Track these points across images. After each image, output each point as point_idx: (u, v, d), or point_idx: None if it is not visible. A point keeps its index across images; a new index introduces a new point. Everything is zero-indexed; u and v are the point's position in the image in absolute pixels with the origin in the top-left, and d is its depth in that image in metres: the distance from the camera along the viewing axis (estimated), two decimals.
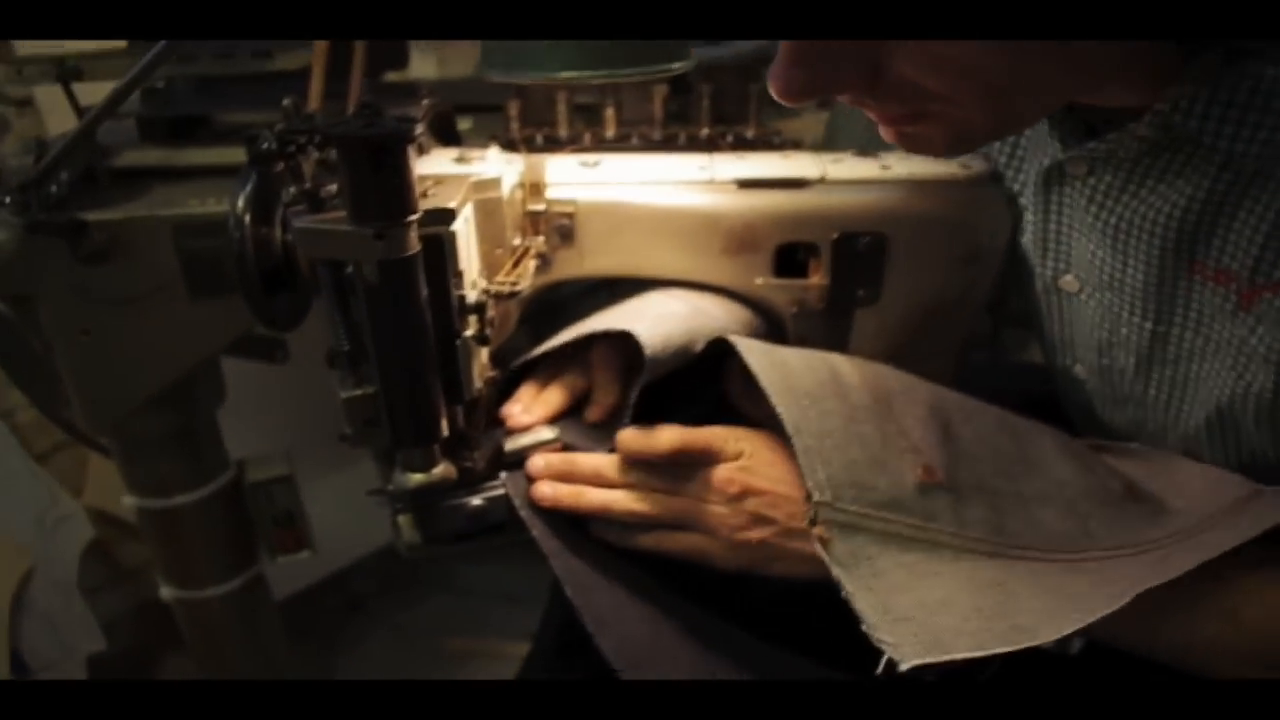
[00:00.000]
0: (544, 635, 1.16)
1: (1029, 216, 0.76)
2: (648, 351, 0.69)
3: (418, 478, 0.63)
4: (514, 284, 0.64)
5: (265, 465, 1.12)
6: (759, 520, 0.69)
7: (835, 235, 0.74)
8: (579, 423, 0.76)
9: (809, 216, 0.73)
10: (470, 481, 0.70)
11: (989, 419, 0.74)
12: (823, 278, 0.75)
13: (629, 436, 0.70)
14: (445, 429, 0.63)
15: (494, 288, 0.64)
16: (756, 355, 0.70)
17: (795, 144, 0.84)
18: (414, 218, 0.54)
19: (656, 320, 0.72)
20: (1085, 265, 0.72)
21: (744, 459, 0.70)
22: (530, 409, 0.74)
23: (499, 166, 0.68)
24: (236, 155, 0.89)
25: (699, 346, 0.72)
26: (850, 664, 0.63)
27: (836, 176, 0.74)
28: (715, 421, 0.73)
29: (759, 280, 0.75)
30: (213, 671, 1.17)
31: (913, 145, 0.60)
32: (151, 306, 0.85)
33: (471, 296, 0.61)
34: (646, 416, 0.71)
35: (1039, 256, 0.76)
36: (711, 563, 0.71)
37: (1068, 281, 0.74)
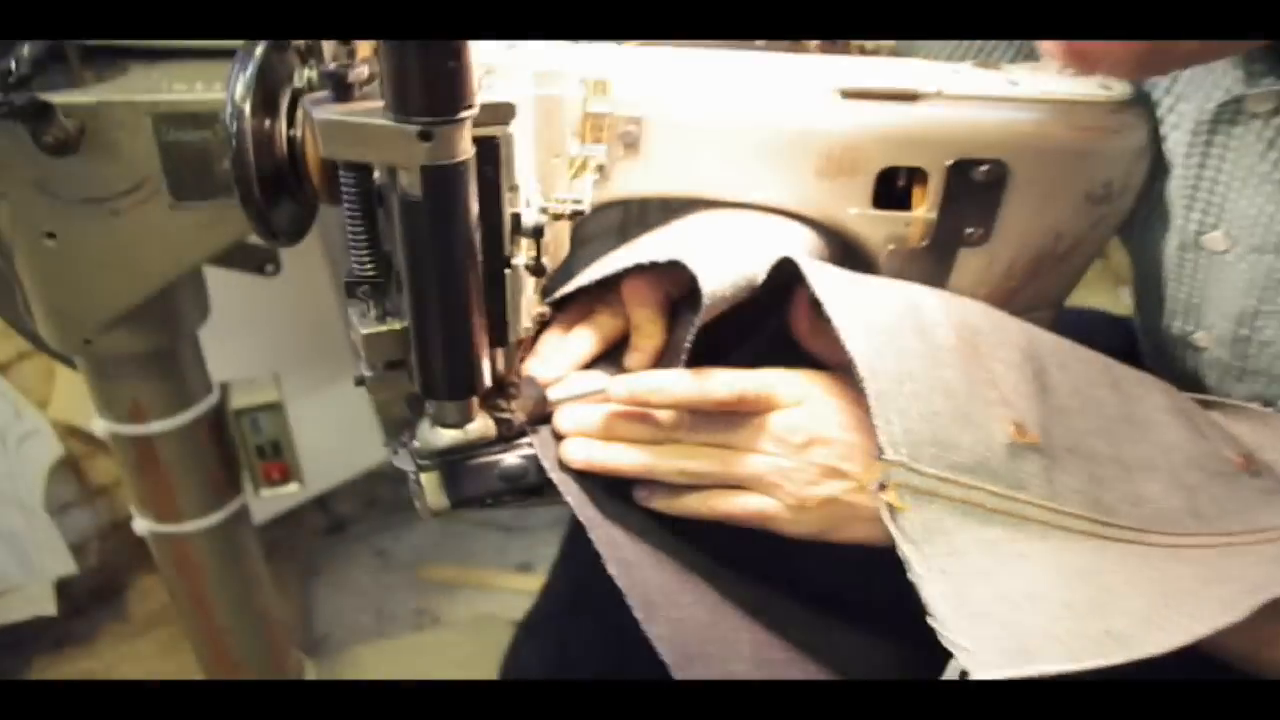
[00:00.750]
0: (554, 585, 1.06)
1: (1176, 162, 0.65)
2: (706, 287, 0.57)
3: (450, 435, 0.52)
4: (577, 201, 0.52)
5: (252, 390, 1.02)
6: (830, 474, 0.59)
7: (950, 161, 0.62)
8: (620, 368, 0.64)
9: (921, 137, 0.61)
10: (507, 436, 0.59)
11: (1089, 366, 0.64)
12: (929, 210, 0.64)
13: (674, 383, 0.59)
14: (487, 378, 0.51)
15: (552, 206, 0.52)
16: (825, 281, 0.58)
17: (892, 50, 0.72)
18: (470, 113, 0.42)
19: (709, 247, 0.60)
20: (1243, 221, 0.62)
21: (809, 403, 0.60)
22: (552, 360, 0.63)
23: (559, 55, 0.56)
24: None
25: (760, 279, 0.60)
26: (929, 640, 0.54)
27: (956, 91, 0.61)
28: (775, 360, 0.62)
29: (854, 210, 0.64)
30: (186, 604, 1.08)
31: (1090, 65, 0.49)
32: (127, 208, 0.74)
33: (528, 217, 0.49)
34: (694, 355, 0.60)
35: (1182, 208, 0.65)
36: (776, 528, 0.61)
37: (1213, 239, 0.64)
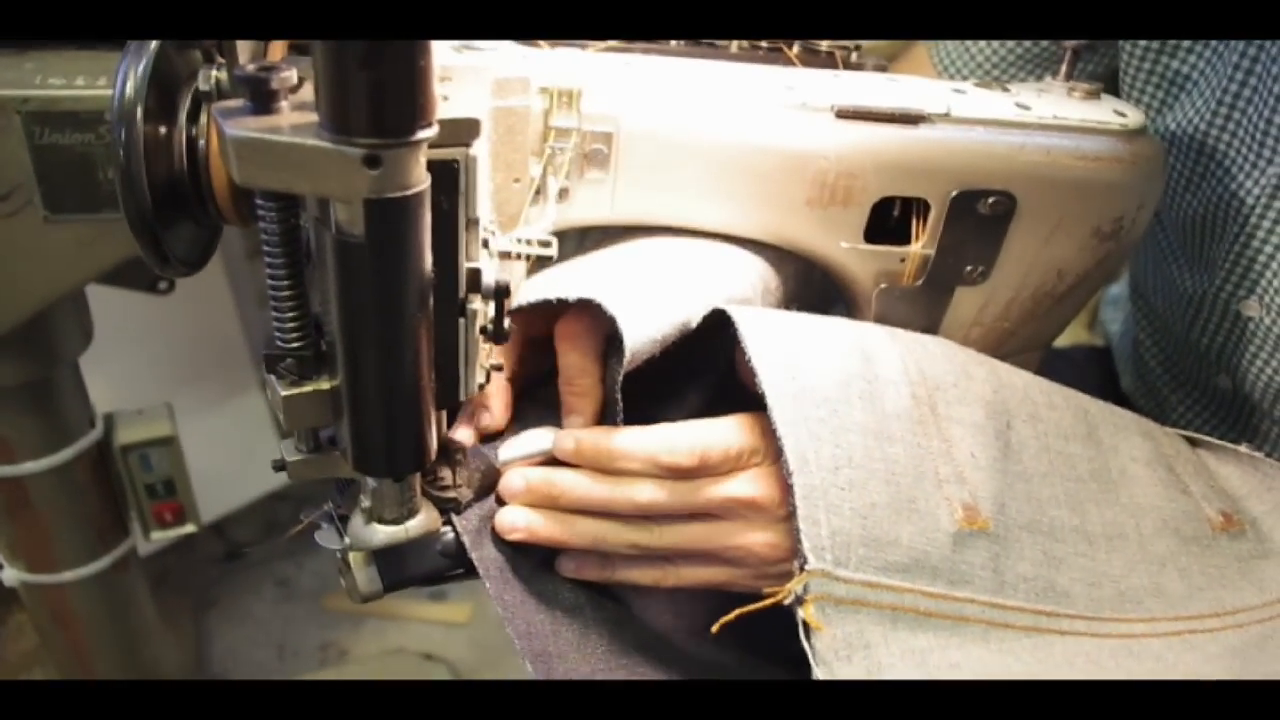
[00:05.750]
0: None
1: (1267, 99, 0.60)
2: (628, 334, 0.49)
3: (388, 533, 0.42)
4: (545, 244, 0.43)
5: (140, 423, 0.90)
6: None
7: (954, 191, 0.55)
8: (545, 406, 0.56)
9: (925, 164, 0.54)
10: (448, 509, 0.50)
11: (1062, 414, 0.58)
12: (927, 245, 0.57)
13: (627, 443, 0.51)
14: (433, 449, 0.42)
15: (516, 248, 0.43)
16: (761, 338, 0.51)
17: (881, 66, 0.65)
18: (429, 133, 0.33)
19: (639, 284, 0.52)
20: None
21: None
22: (490, 408, 0.54)
23: (520, 60, 0.47)
24: None
25: (694, 323, 0.53)
26: None
27: (963, 114, 0.55)
28: (728, 404, 0.54)
29: (844, 244, 0.56)
30: (64, 657, 0.97)
31: None
32: None
33: (489, 274, 0.40)
34: (636, 392, 0.53)
35: (1267, 150, 0.60)
36: (728, 589, 0.55)
37: None
